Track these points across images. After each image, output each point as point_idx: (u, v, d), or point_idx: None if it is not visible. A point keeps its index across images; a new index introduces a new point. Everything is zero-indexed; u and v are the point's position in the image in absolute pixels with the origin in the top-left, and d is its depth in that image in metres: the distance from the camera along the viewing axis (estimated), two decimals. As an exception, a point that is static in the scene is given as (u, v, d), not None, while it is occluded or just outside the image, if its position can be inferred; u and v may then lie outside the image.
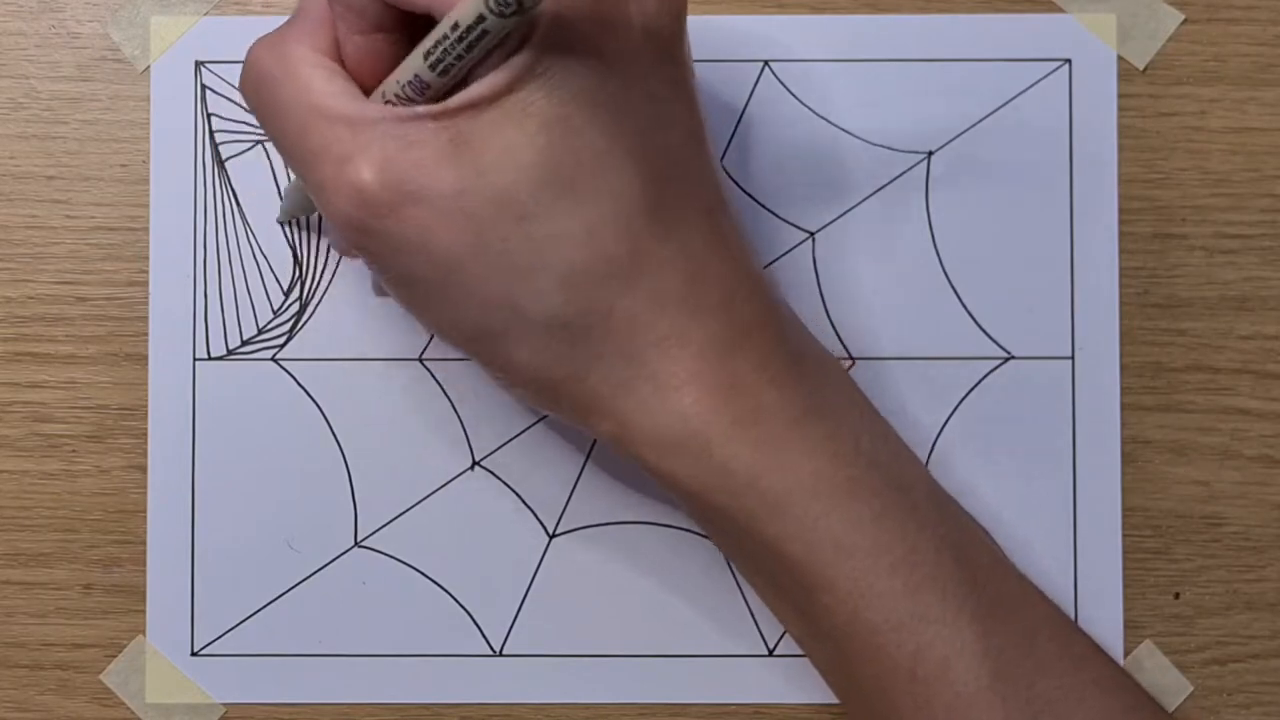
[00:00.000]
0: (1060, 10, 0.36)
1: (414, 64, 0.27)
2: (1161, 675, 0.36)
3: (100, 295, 0.36)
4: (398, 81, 0.28)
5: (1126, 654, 0.36)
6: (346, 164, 0.27)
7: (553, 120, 0.27)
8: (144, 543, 0.36)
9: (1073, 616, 0.36)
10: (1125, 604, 0.36)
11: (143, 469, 0.36)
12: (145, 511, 0.36)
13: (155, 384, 0.36)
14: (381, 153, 0.27)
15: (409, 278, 0.28)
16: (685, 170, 0.29)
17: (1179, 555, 0.36)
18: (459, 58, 0.26)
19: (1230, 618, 0.36)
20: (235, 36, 0.36)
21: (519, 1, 0.25)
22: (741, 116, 0.36)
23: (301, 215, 0.36)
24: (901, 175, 0.36)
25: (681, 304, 0.28)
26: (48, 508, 0.36)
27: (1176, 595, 0.36)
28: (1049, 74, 0.36)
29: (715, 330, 0.29)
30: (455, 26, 0.26)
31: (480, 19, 0.25)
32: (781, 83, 0.36)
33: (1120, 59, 0.36)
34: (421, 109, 0.27)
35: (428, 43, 0.27)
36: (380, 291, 0.36)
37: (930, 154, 0.36)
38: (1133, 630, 0.36)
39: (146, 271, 0.36)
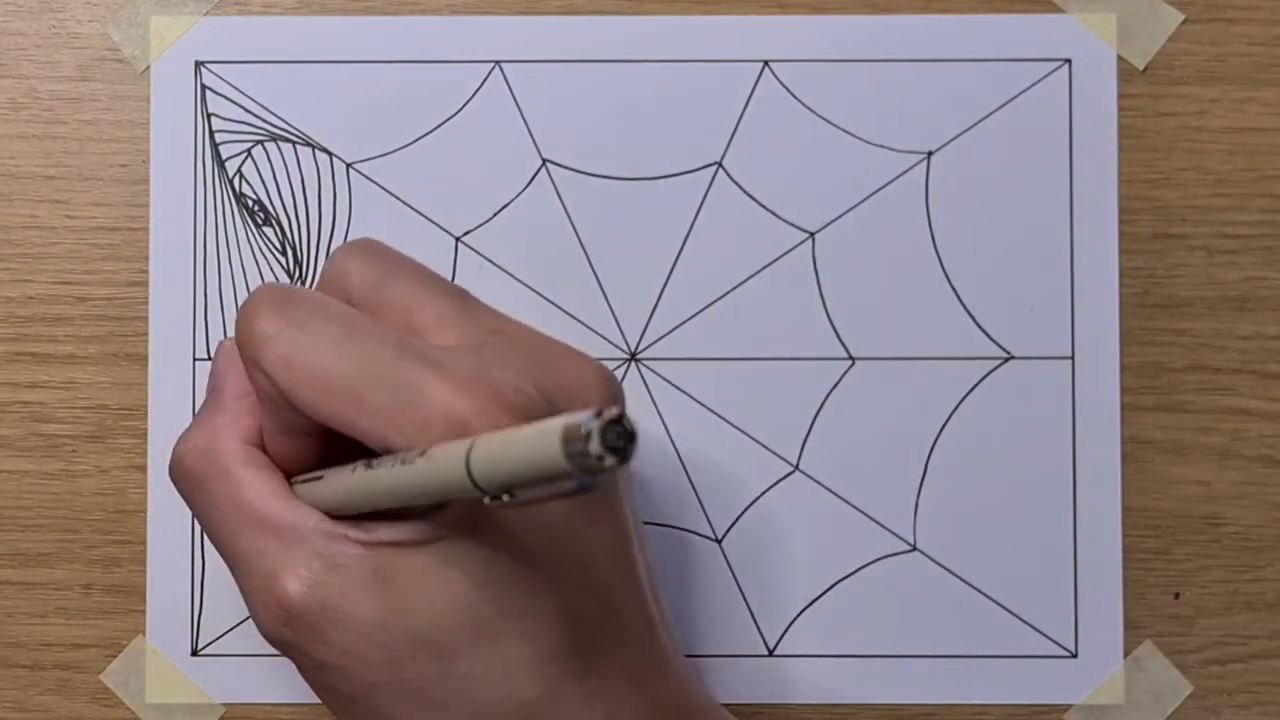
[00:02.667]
0: (1060, 10, 0.36)
1: (340, 483, 0.27)
2: (1161, 675, 0.36)
3: (100, 295, 0.36)
4: (318, 489, 0.27)
5: (1126, 654, 0.36)
6: (274, 579, 0.27)
7: (473, 573, 0.26)
8: (144, 543, 0.36)
9: (1073, 617, 0.36)
10: (1125, 604, 0.36)
11: (143, 469, 0.36)
12: (145, 511, 0.36)
13: (155, 384, 0.36)
14: (308, 571, 0.27)
15: (325, 687, 0.28)
16: (611, 605, 0.28)
17: (1179, 555, 0.36)
18: (397, 499, 0.26)
19: (1230, 618, 0.36)
20: (235, 36, 0.36)
21: (510, 492, 0.23)
22: (741, 116, 0.36)
23: None
24: (901, 175, 0.36)
25: None
26: (48, 508, 0.36)
27: (1176, 595, 0.36)
28: (1049, 74, 0.36)
29: None
30: (407, 475, 0.25)
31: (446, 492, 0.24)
32: (781, 83, 0.36)
33: (1120, 59, 0.36)
34: (351, 532, 0.27)
35: (375, 474, 0.26)
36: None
37: (930, 154, 0.36)
38: (1133, 630, 0.36)
39: (146, 271, 0.36)
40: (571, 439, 0.20)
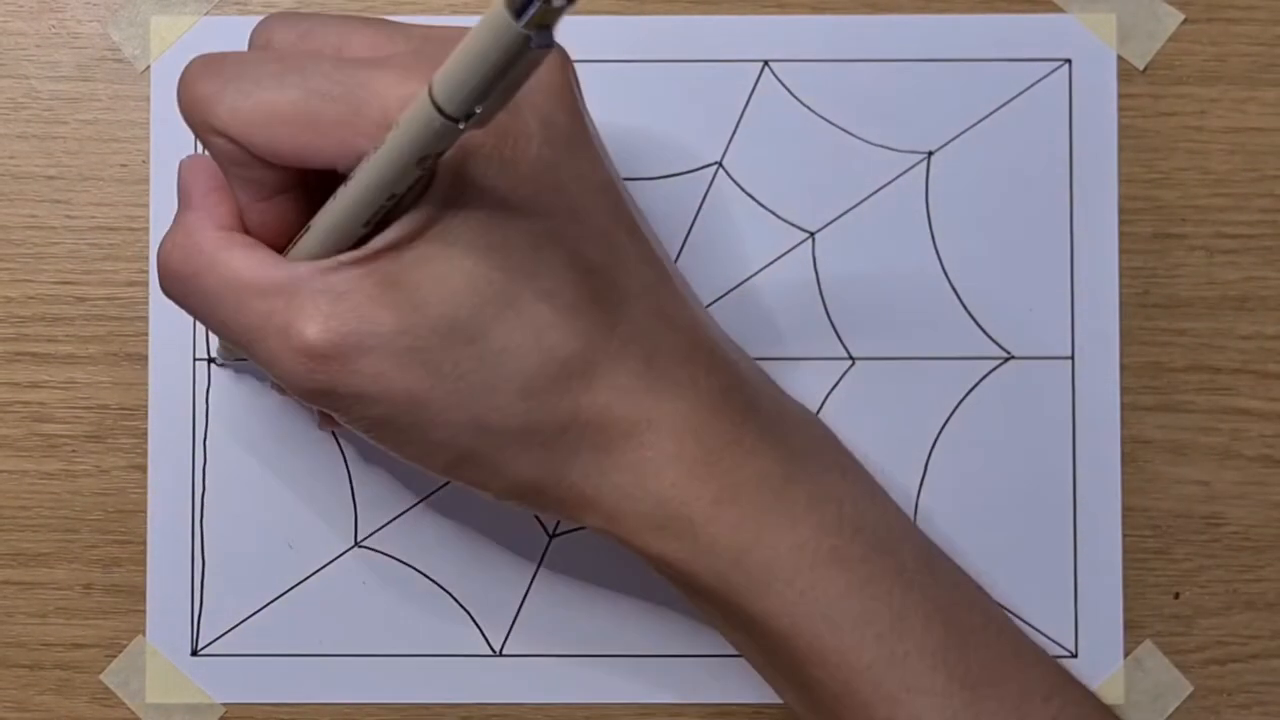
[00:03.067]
0: (1060, 10, 0.36)
1: (328, 217, 0.27)
2: (1161, 675, 0.36)
3: (100, 295, 0.36)
4: (309, 237, 0.28)
5: (1127, 654, 0.36)
6: (289, 331, 0.27)
7: (474, 243, 0.27)
8: (144, 543, 0.36)
9: (1073, 616, 0.36)
10: (1125, 604, 0.36)
11: (143, 469, 0.36)
12: (145, 511, 0.36)
13: (155, 384, 0.36)
14: (317, 310, 0.27)
15: (376, 422, 0.28)
16: (617, 253, 0.29)
17: (1179, 555, 0.36)
18: (381, 194, 0.26)
19: (1230, 618, 0.36)
20: (235, 36, 0.36)
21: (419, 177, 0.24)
22: (741, 116, 0.36)
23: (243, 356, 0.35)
24: (901, 175, 0.36)
25: (644, 390, 0.28)
26: (48, 508, 0.36)
27: (1176, 595, 0.36)
28: (1049, 74, 0.36)
29: (683, 409, 0.29)
30: (379, 162, 0.25)
31: (383, 184, 0.25)
32: (781, 83, 0.36)
33: (1120, 59, 0.36)
34: (345, 256, 0.27)
35: (340, 193, 0.26)
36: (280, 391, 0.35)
37: (930, 154, 0.36)
38: (1133, 630, 0.36)
39: (146, 271, 0.36)
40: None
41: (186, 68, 0.27)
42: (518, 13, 0.21)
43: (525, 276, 0.27)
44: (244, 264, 0.27)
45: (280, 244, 0.28)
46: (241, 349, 0.28)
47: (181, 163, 0.29)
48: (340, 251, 0.27)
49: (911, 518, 0.36)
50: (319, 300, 0.27)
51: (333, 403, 0.27)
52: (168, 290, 0.29)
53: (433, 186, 0.26)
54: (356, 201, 0.26)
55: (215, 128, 0.27)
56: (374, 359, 0.27)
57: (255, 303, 0.27)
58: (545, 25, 0.21)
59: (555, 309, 0.27)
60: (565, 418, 0.28)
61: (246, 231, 0.28)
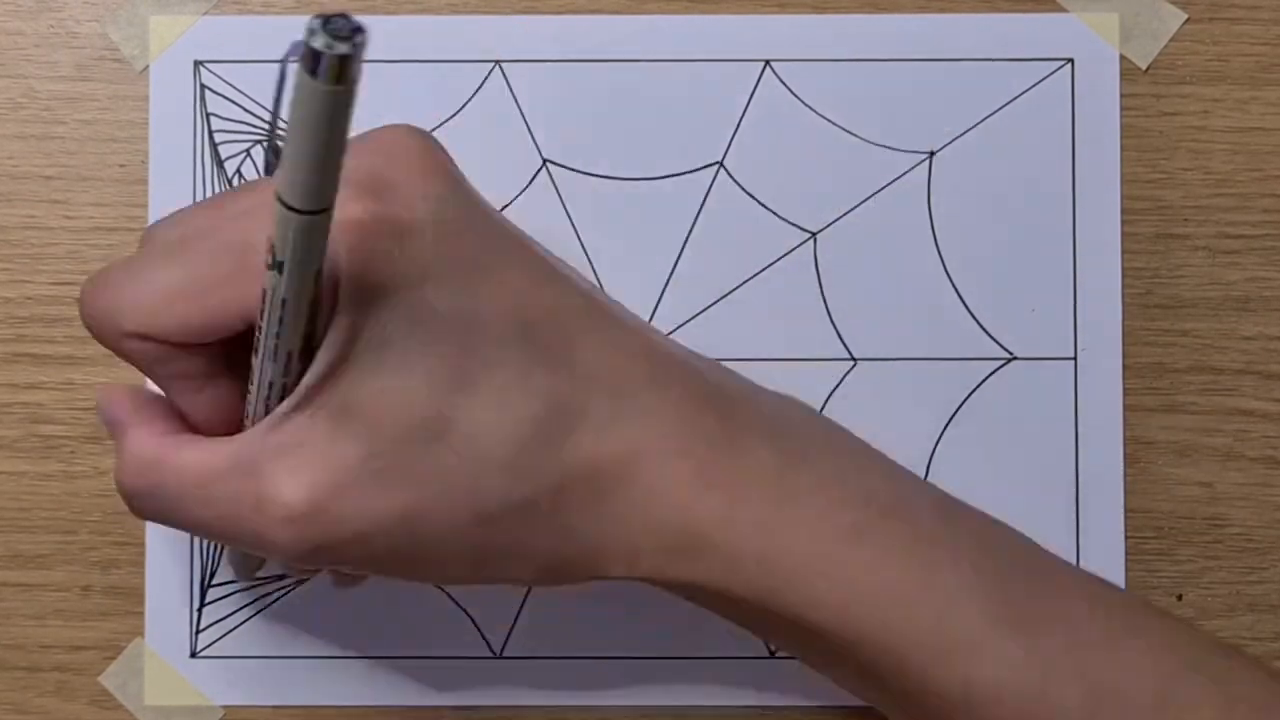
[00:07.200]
0: (1063, 10, 0.36)
1: (259, 375, 0.26)
2: (1164, 677, 0.36)
3: (99, 296, 0.36)
4: (253, 403, 0.27)
5: (1129, 656, 0.36)
6: (262, 505, 0.26)
7: (403, 340, 0.26)
8: (142, 544, 0.36)
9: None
10: (1128, 606, 0.36)
11: (141, 470, 0.36)
12: (144, 513, 0.36)
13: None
14: (282, 470, 0.26)
15: (381, 557, 0.27)
16: (547, 299, 0.28)
17: (1182, 557, 0.36)
18: (292, 327, 0.25)
19: (1233, 619, 0.36)
20: (235, 36, 0.36)
21: (286, 247, 0.24)
22: (743, 116, 0.36)
23: (256, 568, 0.35)
24: (903, 175, 0.36)
25: (621, 423, 0.28)
26: (46, 509, 0.36)
27: (1179, 597, 0.36)
28: (1051, 74, 0.36)
29: (664, 430, 0.28)
30: (275, 309, 0.25)
31: (277, 287, 0.25)
32: (782, 82, 0.36)
33: (1123, 58, 0.36)
34: (283, 406, 0.26)
35: (258, 346, 0.26)
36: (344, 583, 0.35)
37: (932, 154, 0.36)
38: (1135, 632, 0.36)
39: (145, 272, 0.36)
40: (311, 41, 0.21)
41: (81, 291, 0.28)
42: (312, 71, 0.21)
43: (467, 353, 0.27)
44: (194, 457, 0.27)
45: (232, 430, 0.28)
46: (228, 541, 0.28)
47: (98, 398, 0.29)
48: (280, 404, 0.27)
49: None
50: (278, 462, 0.26)
51: (333, 556, 0.27)
52: (139, 512, 0.28)
53: (340, 301, 0.26)
54: (274, 345, 0.26)
55: (125, 330, 0.26)
56: (354, 495, 0.26)
57: (219, 489, 0.27)
58: (344, 76, 0.21)
59: (507, 374, 0.27)
60: (557, 477, 0.27)
61: (196, 431, 0.28)
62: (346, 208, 0.25)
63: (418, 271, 0.26)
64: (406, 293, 0.26)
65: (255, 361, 0.26)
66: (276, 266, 0.24)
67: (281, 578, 0.35)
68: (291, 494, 0.26)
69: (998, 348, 0.36)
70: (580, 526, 0.28)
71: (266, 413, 0.27)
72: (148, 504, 0.28)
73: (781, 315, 0.36)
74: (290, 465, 0.26)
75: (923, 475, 0.36)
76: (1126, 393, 0.36)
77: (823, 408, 0.36)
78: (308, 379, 0.26)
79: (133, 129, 0.36)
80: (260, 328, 0.26)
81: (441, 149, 0.28)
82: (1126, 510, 0.36)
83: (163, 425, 0.28)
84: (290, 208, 0.23)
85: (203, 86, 0.36)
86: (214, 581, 0.36)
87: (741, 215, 0.36)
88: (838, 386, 0.36)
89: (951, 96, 0.36)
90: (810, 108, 0.36)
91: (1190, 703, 0.29)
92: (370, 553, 0.27)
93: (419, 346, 0.26)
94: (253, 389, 0.27)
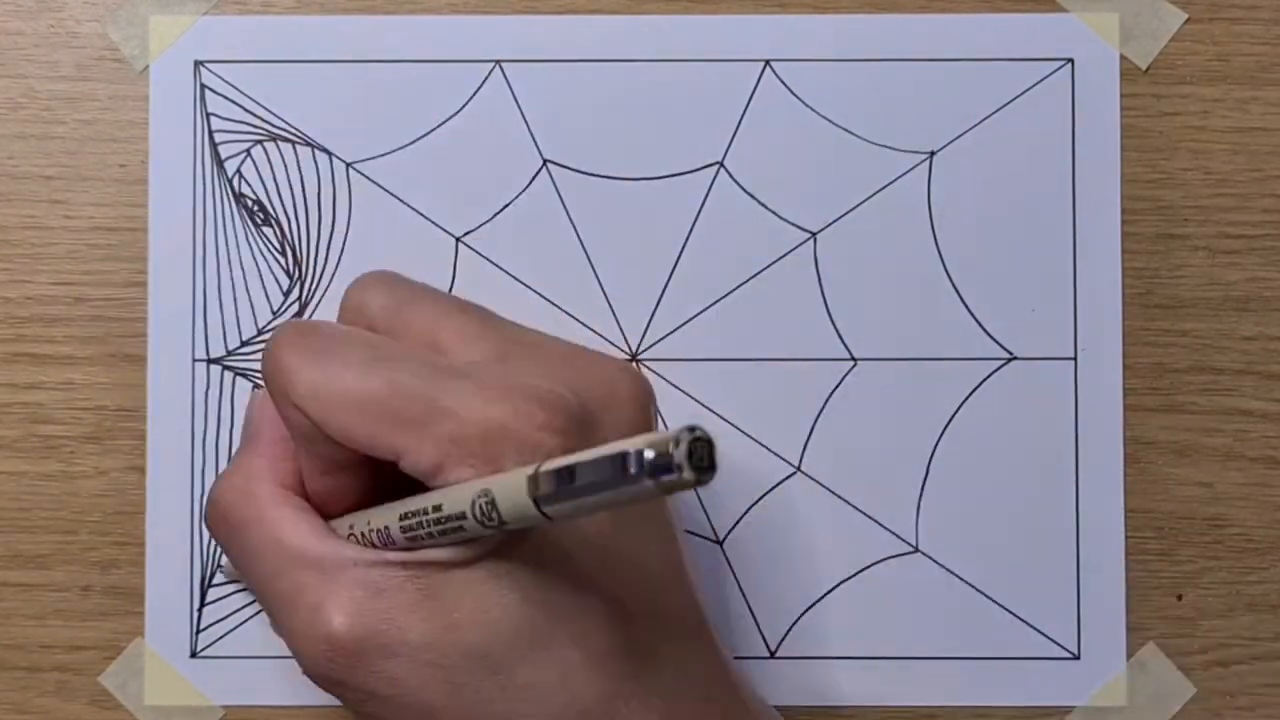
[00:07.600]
0: (1063, 10, 0.36)
1: (386, 517, 0.27)
2: (1164, 677, 0.36)
3: (99, 296, 0.36)
4: (367, 524, 0.27)
5: (1129, 656, 0.36)
6: (318, 613, 0.26)
7: (522, 581, 0.26)
8: (143, 544, 0.36)
9: (1075, 618, 0.36)
10: (1128, 606, 0.36)
11: (141, 470, 0.36)
12: (144, 513, 0.36)
13: (154, 385, 0.36)
14: (351, 600, 0.26)
15: (372, 717, 0.27)
16: (659, 601, 0.28)
17: (1182, 557, 0.36)
18: (430, 535, 0.26)
19: (1233, 619, 0.36)
20: (235, 36, 0.36)
21: (501, 519, 0.24)
22: (743, 116, 0.36)
23: None
24: (903, 175, 0.36)
25: None
26: (46, 509, 0.36)
27: (1179, 597, 0.36)
28: (1051, 74, 0.36)
29: None
30: (438, 509, 0.25)
31: (461, 515, 0.25)
32: (782, 82, 0.36)
33: (1123, 58, 0.36)
34: (391, 555, 0.26)
35: (405, 506, 0.26)
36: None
37: (932, 154, 0.36)
38: (1135, 632, 0.36)
39: (145, 272, 0.36)
40: (660, 456, 0.21)
41: (278, 331, 0.27)
42: (651, 476, 0.21)
43: (563, 619, 0.26)
44: (293, 530, 0.27)
45: (334, 514, 0.28)
46: (265, 611, 0.28)
47: (254, 394, 0.29)
48: (388, 546, 0.27)
49: (913, 521, 0.36)
50: (356, 591, 0.26)
51: (342, 693, 0.27)
52: (212, 527, 0.28)
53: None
54: (425, 515, 0.26)
55: (294, 402, 0.26)
56: (396, 664, 0.26)
57: (293, 572, 0.27)
58: (675, 489, 0.21)
59: (586, 654, 0.27)
60: None
61: (304, 493, 0.28)
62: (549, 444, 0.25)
63: (571, 533, 0.26)
64: (548, 545, 0.26)
65: (399, 503, 0.26)
66: (487, 521, 0.24)
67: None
68: (344, 625, 0.26)
69: (998, 348, 0.36)
70: None
71: (364, 535, 0.27)
72: (223, 529, 0.28)
73: (781, 315, 0.36)
74: (362, 602, 0.26)
75: (923, 475, 0.36)
76: (1126, 393, 0.36)
77: (823, 408, 0.36)
78: (429, 552, 0.26)
79: (133, 129, 0.36)
80: (420, 507, 0.26)
81: (655, 410, 0.29)
82: (1126, 510, 0.36)
83: (286, 476, 0.28)
84: (545, 515, 0.23)
85: (203, 86, 0.36)
86: (214, 581, 0.36)
87: (741, 215, 0.36)
88: (838, 386, 0.36)
89: (951, 96, 0.36)
90: (810, 108, 0.36)
91: None
92: (370, 710, 0.27)
93: (528, 593, 0.26)
94: (375, 512, 0.27)
